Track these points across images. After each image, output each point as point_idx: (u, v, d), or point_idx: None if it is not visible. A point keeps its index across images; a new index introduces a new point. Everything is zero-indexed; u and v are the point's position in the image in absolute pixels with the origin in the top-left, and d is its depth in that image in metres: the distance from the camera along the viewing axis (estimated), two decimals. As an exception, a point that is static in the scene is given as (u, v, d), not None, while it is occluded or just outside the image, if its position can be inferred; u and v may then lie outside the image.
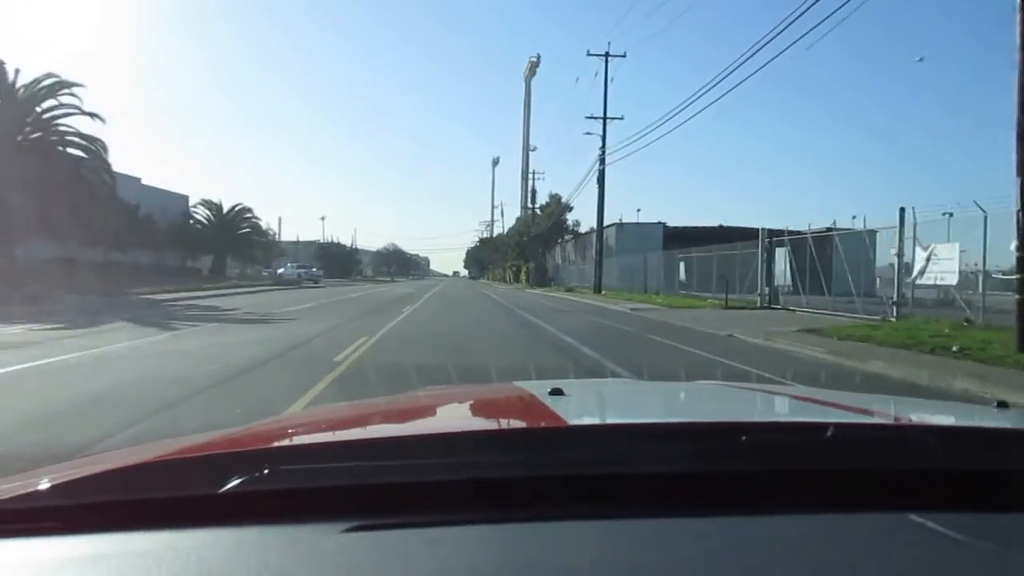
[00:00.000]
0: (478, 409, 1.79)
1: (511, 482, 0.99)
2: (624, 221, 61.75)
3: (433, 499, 0.95)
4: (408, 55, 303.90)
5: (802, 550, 0.87)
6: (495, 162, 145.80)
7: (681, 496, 0.97)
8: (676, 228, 57.15)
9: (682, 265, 37.85)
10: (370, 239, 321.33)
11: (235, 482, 0.94)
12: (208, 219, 57.03)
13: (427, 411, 1.77)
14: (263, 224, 59.99)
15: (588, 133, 40.48)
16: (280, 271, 63.26)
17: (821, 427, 1.05)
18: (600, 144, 39.87)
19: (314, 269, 64.81)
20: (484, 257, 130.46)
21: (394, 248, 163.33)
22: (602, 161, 39.75)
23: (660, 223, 59.84)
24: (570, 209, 70.39)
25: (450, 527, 0.89)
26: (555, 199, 73.07)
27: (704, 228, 51.91)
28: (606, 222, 64.45)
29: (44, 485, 0.98)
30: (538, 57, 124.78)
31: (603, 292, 40.03)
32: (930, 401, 2.97)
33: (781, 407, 1.68)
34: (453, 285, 72.59)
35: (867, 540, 0.87)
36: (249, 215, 58.96)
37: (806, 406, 1.65)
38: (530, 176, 75.72)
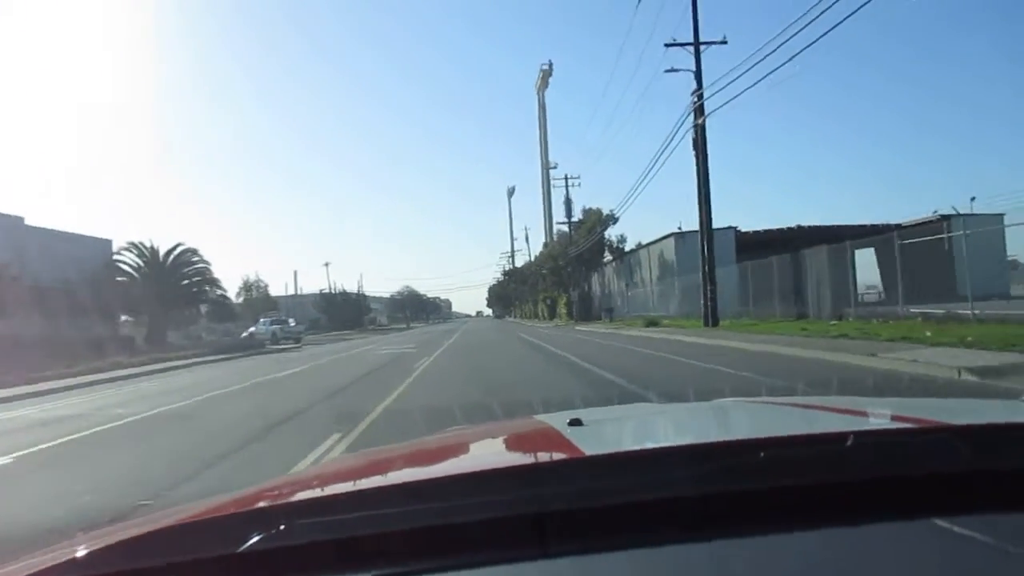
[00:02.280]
0: (496, 446, 1.79)
1: (531, 518, 0.97)
2: (684, 229, 47.00)
3: (455, 543, 0.94)
4: (408, 90, 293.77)
5: (829, 565, 0.87)
6: (511, 192, 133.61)
7: (704, 518, 0.96)
8: (749, 233, 44.26)
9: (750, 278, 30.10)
10: (383, 284, 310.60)
11: (253, 540, 0.93)
12: (138, 268, 42.51)
13: (445, 453, 1.72)
14: (211, 270, 44.85)
15: (671, 70, 25.90)
16: (251, 330, 49.12)
17: (841, 437, 1.03)
18: (694, 84, 25.09)
19: (291, 323, 50.33)
20: (509, 292, 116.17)
21: (408, 291, 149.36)
22: (699, 112, 24.89)
23: (731, 228, 45.23)
24: (615, 221, 55.75)
25: (473, 570, 0.89)
26: (595, 212, 58.54)
27: (781, 231, 43.13)
28: (659, 233, 50.75)
29: (60, 559, 0.98)
30: (549, 64, 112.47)
31: (720, 324, 24.93)
32: (953, 400, 2.76)
33: (800, 420, 1.65)
34: (476, 329, 57.86)
35: (893, 549, 0.88)
36: (196, 260, 44.22)
37: (826, 416, 1.63)
38: (563, 182, 60.93)
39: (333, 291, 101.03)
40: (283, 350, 37.63)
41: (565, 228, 63.09)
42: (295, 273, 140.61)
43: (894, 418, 1.39)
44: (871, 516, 0.94)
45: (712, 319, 25.20)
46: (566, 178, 60.26)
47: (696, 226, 27.33)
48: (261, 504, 1.18)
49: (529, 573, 0.88)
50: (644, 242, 53.98)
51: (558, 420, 1.60)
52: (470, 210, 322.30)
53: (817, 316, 22.89)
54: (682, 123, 25.73)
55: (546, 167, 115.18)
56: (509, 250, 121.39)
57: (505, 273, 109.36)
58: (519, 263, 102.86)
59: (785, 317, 24.67)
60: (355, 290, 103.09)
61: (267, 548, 0.93)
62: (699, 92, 24.66)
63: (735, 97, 23.87)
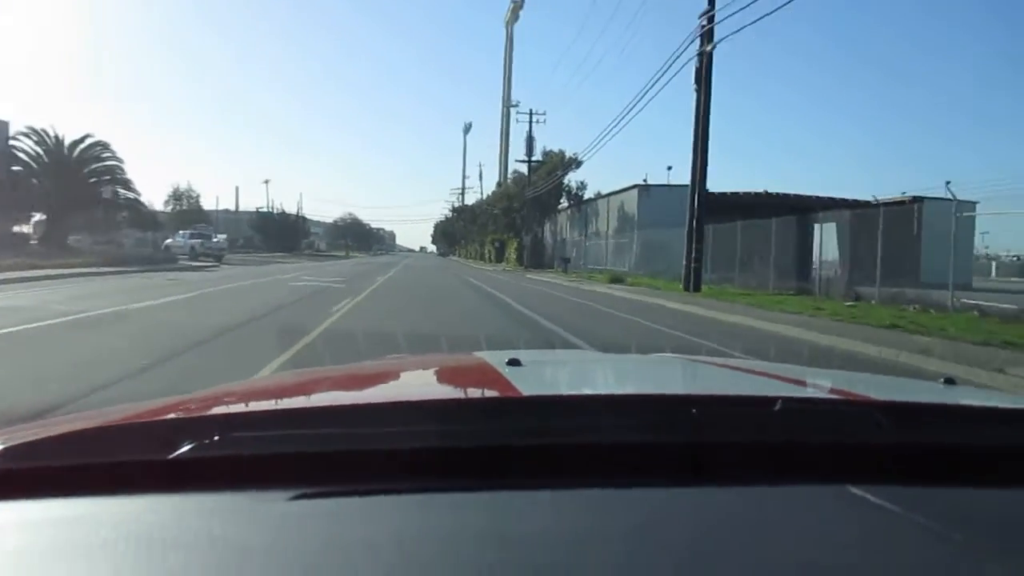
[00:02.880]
0: (434, 378, 1.81)
1: (461, 452, 0.99)
2: (649, 182, 43.25)
3: (383, 468, 0.95)
4: (363, 16, 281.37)
5: (743, 519, 0.90)
6: (467, 128, 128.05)
7: (629, 467, 0.99)
8: (717, 195, 40.12)
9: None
10: (327, 208, 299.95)
11: (184, 448, 0.93)
12: (36, 158, 36.57)
13: (382, 379, 1.75)
14: (123, 168, 39.15)
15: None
16: (168, 242, 44.11)
17: (770, 401, 1.07)
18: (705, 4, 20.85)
19: (215, 239, 45.30)
20: (456, 231, 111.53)
21: (352, 219, 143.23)
22: (706, 38, 20.83)
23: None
24: (577, 165, 51.70)
25: (399, 495, 0.90)
26: (556, 154, 54.34)
27: (747, 195, 39.63)
28: (624, 183, 46.97)
29: None
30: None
31: (701, 290, 21.33)
32: (881, 377, 2.74)
33: (733, 381, 1.69)
34: (418, 266, 53.65)
35: (807, 511, 0.92)
36: (107, 156, 38.46)
37: (758, 380, 1.66)
38: (526, 117, 56.18)
39: (271, 210, 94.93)
40: (196, 268, 33.03)
41: (523, 169, 58.83)
42: (236, 189, 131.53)
43: (823, 389, 1.44)
44: (790, 478, 0.98)
45: (694, 283, 21.61)
46: (530, 113, 55.92)
47: (663, 179, 23.60)
48: (196, 413, 1.18)
49: (446, 505, 0.89)
50: (604, 192, 50.31)
51: (497, 358, 1.59)
52: (424, 143, 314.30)
53: (825, 293, 19.48)
54: (679, 54, 21.64)
55: (507, 104, 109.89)
56: (460, 187, 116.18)
57: (454, 210, 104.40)
58: (470, 202, 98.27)
59: (781, 290, 21.27)
60: (294, 211, 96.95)
61: (197, 456, 0.93)
62: (710, 13, 20.55)
63: (753, 22, 19.80)
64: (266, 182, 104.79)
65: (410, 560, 0.74)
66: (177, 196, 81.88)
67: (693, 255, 21.84)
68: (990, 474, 1.02)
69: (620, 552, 0.77)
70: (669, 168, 52.64)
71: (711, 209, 38.25)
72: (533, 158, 54.94)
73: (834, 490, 0.94)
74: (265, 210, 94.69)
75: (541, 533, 0.82)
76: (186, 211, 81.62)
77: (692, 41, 21.25)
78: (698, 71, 21.32)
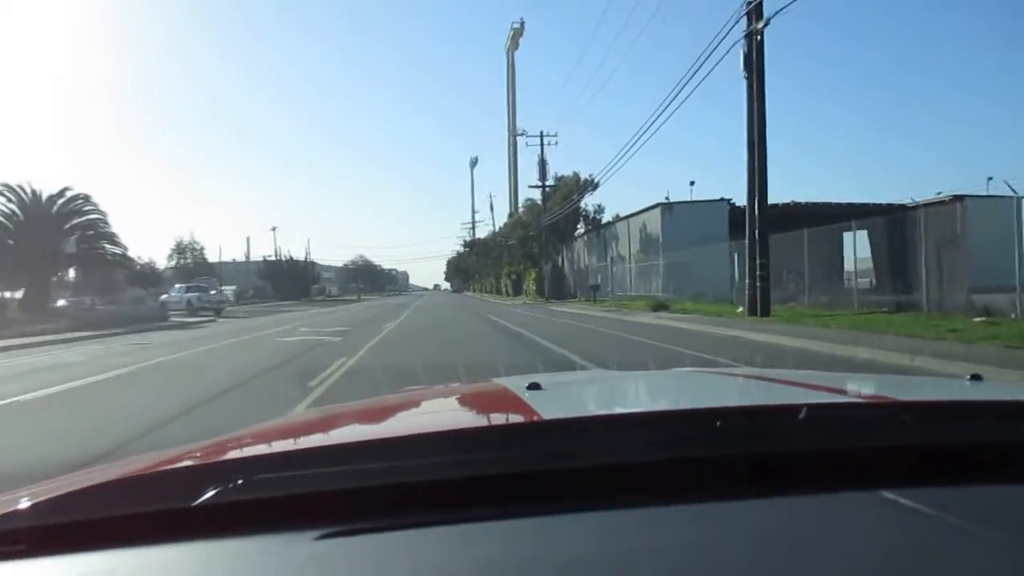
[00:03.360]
0: (454, 407, 1.81)
1: (489, 480, 0.98)
2: (672, 200, 40.72)
3: (410, 501, 0.95)
4: (366, 47, 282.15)
5: (778, 532, 0.89)
6: (473, 163, 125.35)
7: (658, 485, 0.98)
8: (740, 208, 36.79)
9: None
10: (336, 252, 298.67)
11: (208, 494, 0.93)
12: (11, 216, 33.47)
13: (403, 411, 1.75)
14: (107, 221, 35.92)
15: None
16: (163, 297, 41.05)
17: (795, 409, 1.06)
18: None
19: (213, 291, 42.14)
20: (469, 266, 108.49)
21: (363, 261, 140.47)
22: (754, 15, 17.52)
23: (723, 200, 38.73)
24: (594, 188, 48.49)
25: (426, 528, 0.89)
26: (571, 177, 51.20)
27: (775, 207, 33.88)
28: (643, 203, 43.74)
29: (6, 508, 0.96)
30: (521, 22, 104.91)
31: (771, 312, 17.80)
32: (903, 377, 2.80)
33: (756, 391, 1.69)
34: (433, 305, 50.36)
35: (841, 519, 0.90)
36: (89, 209, 35.34)
37: (781, 388, 1.66)
38: (537, 140, 52.72)
39: (279, 257, 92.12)
40: (190, 324, 29.98)
41: (536, 197, 55.69)
42: (248, 239, 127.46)
43: (847, 393, 1.41)
44: (821, 486, 0.96)
45: (761, 306, 18.11)
46: (541, 136, 52.57)
47: (686, 195, 20.26)
48: (218, 458, 1.17)
49: (481, 534, 0.88)
50: (623, 214, 47.09)
51: (516, 383, 1.61)
52: (432, 179, 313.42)
53: (937, 308, 15.90)
54: (722, 39, 18.35)
55: (513, 133, 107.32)
56: (471, 222, 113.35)
57: (466, 244, 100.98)
58: (482, 235, 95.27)
59: (870, 307, 17.77)
60: (303, 257, 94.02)
61: (223, 502, 0.93)
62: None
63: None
64: (273, 229, 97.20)
65: None
66: (180, 250, 79.60)
67: (758, 272, 18.30)
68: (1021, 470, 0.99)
69: (657, 571, 0.77)
70: (692, 183, 49.65)
71: (737, 224, 34.88)
72: (547, 182, 51.70)
73: (867, 496, 0.93)
74: (272, 258, 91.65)
75: (576, 558, 0.82)
76: (189, 265, 79.65)
77: (736, 22, 17.98)
78: (747, 56, 18.02)
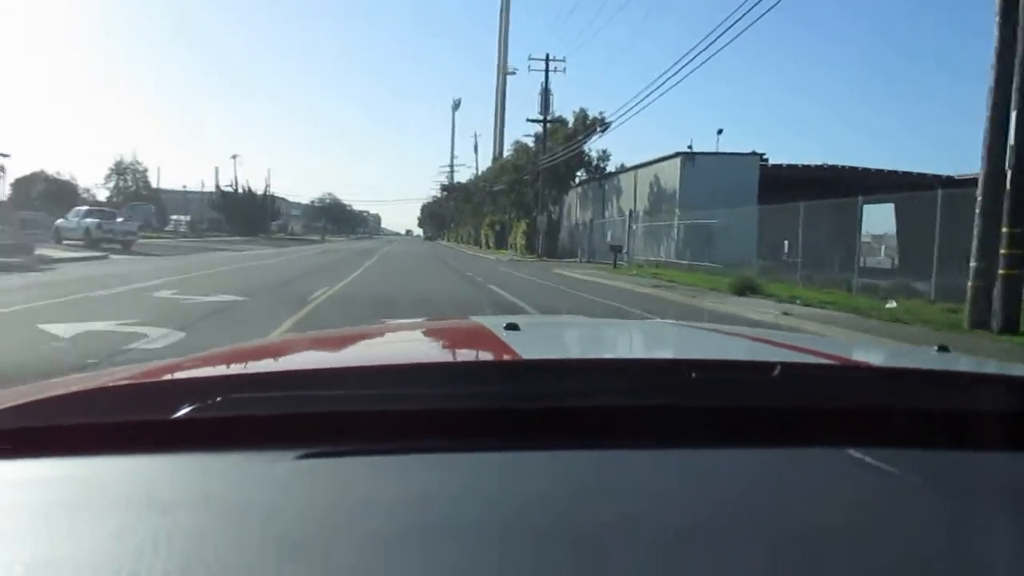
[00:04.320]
0: (434, 342, 1.82)
1: (462, 414, 1.01)
2: (695, 150, 34.06)
3: (386, 429, 0.97)
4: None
5: (743, 481, 0.92)
6: (456, 104, 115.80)
7: (629, 431, 1.00)
8: (769, 167, 32.66)
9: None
10: (305, 188, 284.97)
11: (186, 409, 0.94)
12: None
13: (382, 342, 1.77)
14: None
15: None
16: (59, 222, 32.38)
17: (769, 366, 1.09)
18: None
19: (120, 219, 32.92)
20: (445, 212, 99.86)
21: (331, 200, 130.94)
22: None
23: (755, 155, 33.26)
24: (604, 128, 40.18)
25: (401, 456, 0.92)
26: (578, 115, 42.73)
27: (808, 168, 33.09)
28: (656, 153, 35.74)
29: None
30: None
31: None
32: (876, 343, 2.88)
33: (732, 347, 1.71)
34: (402, 253, 42.17)
35: (807, 472, 0.94)
36: None
37: (757, 346, 1.69)
38: (541, 65, 43.56)
39: (236, 188, 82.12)
40: (70, 260, 21.81)
41: (530, 139, 47.13)
42: (216, 170, 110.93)
43: (822, 355, 1.45)
44: (789, 442, 0.99)
45: (1006, 312, 9.65)
46: (546, 60, 43.41)
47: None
48: (197, 374, 1.20)
49: (450, 465, 0.91)
50: (629, 164, 39.34)
51: (495, 323, 1.61)
52: (412, 120, 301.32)
53: None
54: None
55: (503, 71, 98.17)
56: (449, 165, 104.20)
57: (444, 188, 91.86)
58: (463, 179, 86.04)
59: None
60: (263, 189, 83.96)
61: (199, 417, 0.94)
62: None
63: None
64: (234, 157, 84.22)
65: (420, 519, 0.76)
66: (119, 170, 70.24)
67: (1015, 243, 9.63)
68: (986, 438, 1.03)
69: (620, 513, 0.79)
70: (719, 132, 41.61)
71: (771, 185, 28.66)
72: (549, 117, 42.96)
73: (833, 453, 0.96)
74: (230, 189, 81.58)
75: (542, 493, 0.84)
76: (131, 189, 70.28)
77: None
78: None
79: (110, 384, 1.07)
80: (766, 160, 32.76)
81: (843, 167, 31.89)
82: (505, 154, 61.71)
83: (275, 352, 1.58)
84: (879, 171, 31.25)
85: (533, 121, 42.93)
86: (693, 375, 1.05)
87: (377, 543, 0.71)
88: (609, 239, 36.39)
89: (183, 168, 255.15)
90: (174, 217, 78.17)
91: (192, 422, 0.93)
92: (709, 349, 1.66)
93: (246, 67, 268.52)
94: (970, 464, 0.99)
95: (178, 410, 0.93)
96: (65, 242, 30.50)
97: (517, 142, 51.30)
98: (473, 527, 0.75)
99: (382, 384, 1.05)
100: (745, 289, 15.78)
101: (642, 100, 31.26)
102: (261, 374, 1.21)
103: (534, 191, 44.16)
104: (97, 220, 30.92)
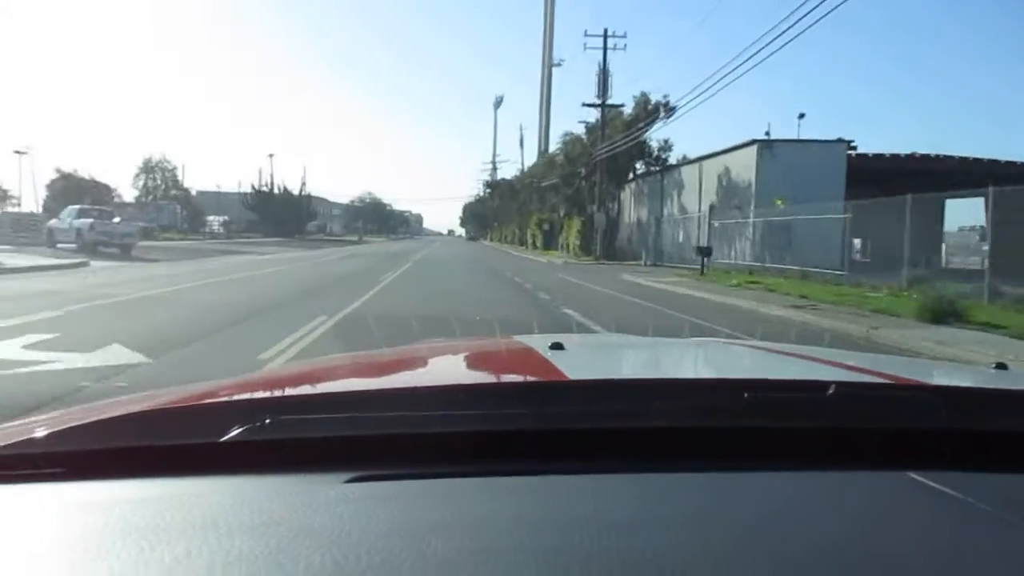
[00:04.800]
0: (479, 362, 1.77)
1: (511, 436, 1.00)
2: (772, 137, 29.84)
3: (435, 451, 0.96)
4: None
5: (802, 505, 0.89)
6: (498, 102, 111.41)
7: (681, 452, 0.99)
8: (854, 157, 28.64)
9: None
10: (346, 188, 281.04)
11: (236, 431, 0.94)
12: None
13: (428, 362, 1.76)
14: None
15: None
16: (52, 223, 28.36)
17: (823, 385, 1.06)
18: None
19: (117, 219, 28.36)
20: (489, 212, 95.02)
21: (371, 199, 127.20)
22: None
23: (843, 142, 28.99)
24: (669, 113, 35.02)
25: (451, 479, 0.91)
26: (638, 101, 37.53)
27: (896, 157, 29.47)
28: (716, 144, 30.68)
29: (44, 431, 0.98)
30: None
31: None
32: (931, 361, 2.77)
33: (784, 365, 1.67)
34: (442, 257, 37.53)
35: (867, 496, 0.91)
36: None
37: (809, 364, 1.64)
38: (599, 42, 37.71)
39: (272, 188, 77.89)
40: (38, 269, 17.90)
41: (581, 129, 41.95)
42: (260, 171, 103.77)
43: (876, 374, 1.42)
44: (846, 464, 0.96)
45: None
46: (604, 36, 37.68)
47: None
48: (247, 396, 1.19)
49: (499, 488, 0.90)
50: (691, 156, 34.46)
51: (539, 342, 1.59)
52: (455, 119, 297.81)
53: None
54: None
55: (548, 63, 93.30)
56: (492, 162, 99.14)
57: (488, 185, 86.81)
58: (508, 175, 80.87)
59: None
60: (299, 188, 79.65)
61: (249, 440, 0.94)
62: None
63: None
64: (271, 156, 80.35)
65: (470, 542, 0.75)
66: (148, 168, 66.21)
67: None
68: None
69: (675, 536, 0.78)
70: (801, 116, 36.17)
71: (859, 177, 25.56)
72: (608, 100, 37.49)
73: (895, 476, 0.93)
74: (263, 188, 77.40)
75: (591, 517, 0.82)
76: (160, 188, 66.59)
77: None
78: None
79: (159, 407, 1.06)
80: (854, 147, 28.69)
81: (917, 156, 29.06)
82: (552, 148, 56.57)
83: (322, 374, 1.56)
84: (978, 160, 28.33)
85: (590, 106, 37.47)
86: (745, 395, 1.02)
87: (430, 568, 0.70)
88: (683, 238, 31.60)
89: (222, 167, 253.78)
90: (210, 218, 75.38)
91: (242, 444, 0.93)
92: (761, 368, 1.65)
93: (287, 65, 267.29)
94: None
95: (228, 432, 0.93)
96: (60, 245, 26.57)
97: (568, 133, 46.30)
98: (523, 550, 0.74)
99: (430, 406, 1.03)
100: (942, 313, 10.59)
101: (720, 80, 26.08)
102: (310, 395, 1.20)
103: (589, 185, 39.03)
104: (89, 221, 26.57)
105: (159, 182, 66.80)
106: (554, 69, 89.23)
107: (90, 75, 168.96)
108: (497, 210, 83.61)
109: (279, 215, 74.25)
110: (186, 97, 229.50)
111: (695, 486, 0.91)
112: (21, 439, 0.96)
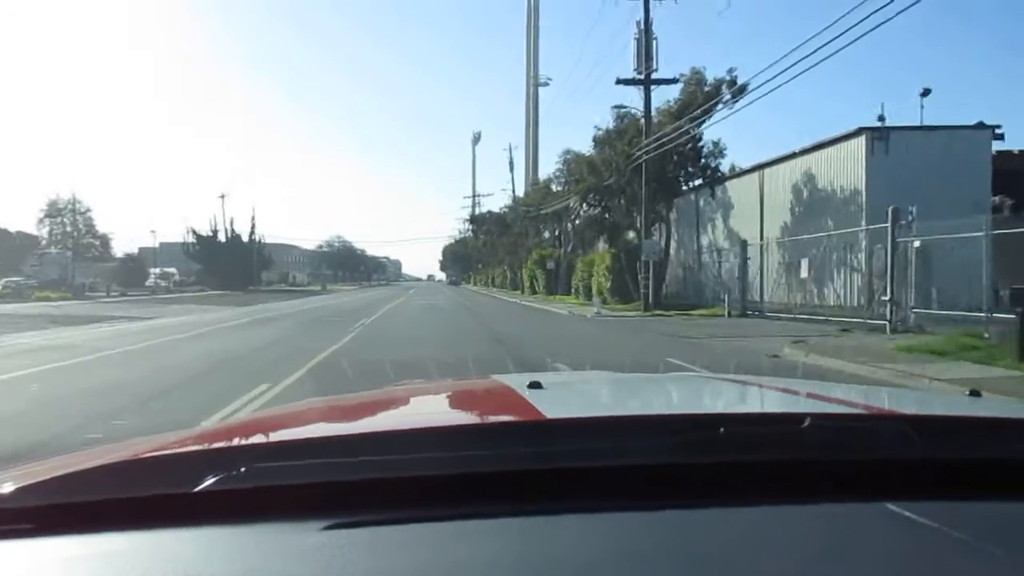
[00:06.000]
0: (456, 403, 1.78)
1: (488, 477, 0.99)
2: (888, 123, 22.64)
3: (412, 495, 0.96)
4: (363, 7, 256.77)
5: (780, 539, 0.90)
6: (476, 138, 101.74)
7: (659, 489, 0.99)
8: (1006, 154, 21.60)
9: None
10: (316, 232, 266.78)
11: (210, 481, 0.93)
12: None
13: (403, 405, 1.75)
14: None
15: None
16: None
17: (798, 418, 1.06)
18: None
19: None
20: (471, 252, 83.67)
21: (340, 243, 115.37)
22: None
23: (984, 127, 21.79)
24: (737, 96, 23.76)
25: (430, 523, 0.90)
26: (692, 76, 26.20)
27: None
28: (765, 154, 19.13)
29: (11, 487, 0.96)
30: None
31: None
32: (905, 390, 2.80)
33: (759, 399, 1.69)
34: (419, 309, 25.75)
35: (845, 529, 0.91)
36: None
37: (784, 397, 1.66)
38: (641, 4, 26.35)
39: (217, 233, 65.74)
40: None
41: (606, 120, 30.50)
42: (223, 217, 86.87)
43: (851, 404, 1.40)
44: (823, 496, 0.96)
45: None
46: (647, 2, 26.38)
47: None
48: (220, 444, 1.15)
49: (482, 531, 0.89)
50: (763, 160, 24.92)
51: (518, 381, 1.59)
52: (431, 161, 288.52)
53: None
54: None
55: (534, 82, 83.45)
56: (472, 196, 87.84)
57: (471, 219, 74.78)
58: (494, 208, 69.42)
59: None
60: (249, 233, 67.54)
61: (224, 489, 0.92)
62: None
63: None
64: (221, 197, 64.70)
65: None
66: (54, 211, 54.14)
67: None
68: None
69: (656, 575, 0.77)
70: (925, 93, 25.56)
71: (1006, 176, 19.89)
72: (652, 74, 25.77)
73: (872, 507, 0.93)
74: (209, 233, 65.18)
75: (574, 557, 0.82)
76: (71, 234, 54.55)
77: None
78: None
79: (131, 458, 1.04)
80: (1001, 135, 21.72)
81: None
82: (546, 173, 45.40)
83: (297, 419, 1.53)
84: None
85: (625, 82, 25.55)
86: (721, 430, 1.02)
87: None
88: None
89: (170, 215, 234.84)
90: (153, 270, 63.79)
91: (216, 494, 0.92)
92: (736, 403, 1.64)
93: (249, 100, 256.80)
94: (1014, 515, 0.95)
95: (201, 482, 0.92)
96: None
97: (569, 151, 35.24)
98: None
99: (407, 448, 1.02)
100: None
101: (814, 52, 15.15)
102: (285, 442, 1.17)
103: (627, 200, 27.35)
104: None
105: (68, 228, 55.00)
106: (541, 88, 79.56)
107: None
108: (481, 249, 72.06)
109: (227, 264, 62.44)
110: (122, 131, 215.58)
111: (673, 523, 0.91)
112: None
